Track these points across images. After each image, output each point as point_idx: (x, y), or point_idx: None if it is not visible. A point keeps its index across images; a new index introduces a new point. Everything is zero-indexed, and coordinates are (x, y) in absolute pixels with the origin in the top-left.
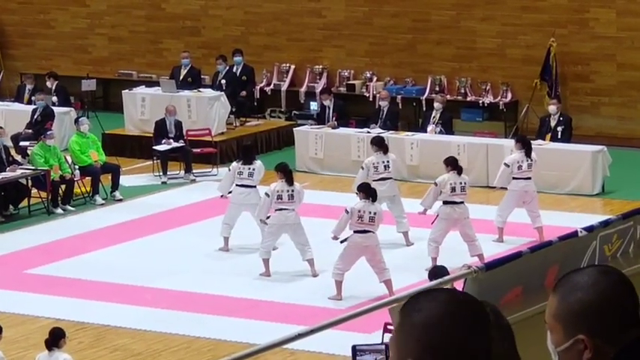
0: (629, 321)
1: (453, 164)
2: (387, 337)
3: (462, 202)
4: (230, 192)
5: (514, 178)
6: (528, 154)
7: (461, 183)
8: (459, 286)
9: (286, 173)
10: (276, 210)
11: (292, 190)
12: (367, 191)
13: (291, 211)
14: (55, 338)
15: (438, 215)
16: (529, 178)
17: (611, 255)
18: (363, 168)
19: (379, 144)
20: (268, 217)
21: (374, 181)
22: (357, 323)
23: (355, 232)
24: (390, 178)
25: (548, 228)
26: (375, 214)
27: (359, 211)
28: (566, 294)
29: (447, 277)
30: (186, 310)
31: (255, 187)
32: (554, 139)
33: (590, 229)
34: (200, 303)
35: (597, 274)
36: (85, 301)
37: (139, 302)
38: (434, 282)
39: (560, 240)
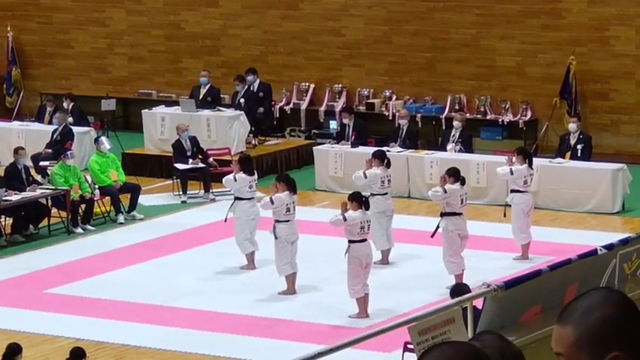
0: None
1: (456, 175)
2: (407, 356)
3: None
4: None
5: (519, 191)
6: (530, 165)
7: (466, 194)
8: (478, 304)
9: (289, 183)
10: (282, 221)
11: (294, 201)
12: (361, 200)
13: (294, 222)
14: (76, 358)
15: (438, 229)
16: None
17: (631, 273)
18: (365, 177)
19: (382, 158)
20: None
21: (379, 195)
22: (376, 342)
23: (357, 241)
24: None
25: (568, 246)
26: (369, 222)
27: (360, 222)
28: (580, 319)
29: (467, 296)
30: (206, 330)
31: None
32: (573, 157)
33: (609, 248)
34: (220, 322)
35: (602, 292)
36: (105, 320)
37: (159, 322)
38: (455, 300)
39: (579, 258)
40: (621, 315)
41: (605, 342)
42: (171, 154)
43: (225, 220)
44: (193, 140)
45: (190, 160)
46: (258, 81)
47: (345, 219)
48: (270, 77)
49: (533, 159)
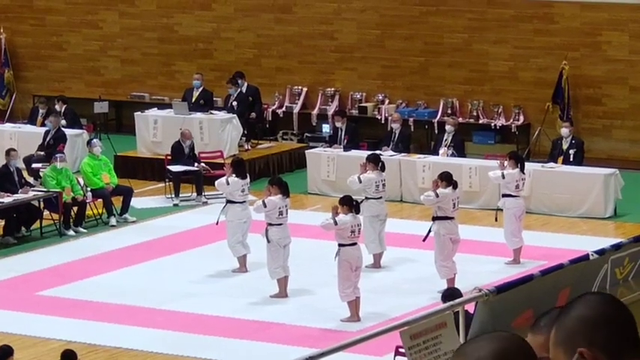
0: (628, 339)
1: (448, 179)
2: None
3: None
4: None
5: (511, 196)
6: (522, 170)
7: (458, 198)
8: (470, 308)
9: (282, 187)
10: (274, 225)
11: (287, 205)
12: (351, 204)
13: (287, 225)
14: None
15: (430, 233)
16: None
17: (623, 278)
18: (360, 181)
19: (376, 161)
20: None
21: (373, 199)
22: (368, 346)
23: (347, 245)
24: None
25: (560, 251)
26: (360, 225)
27: (351, 226)
28: (559, 319)
29: (458, 300)
30: (198, 333)
31: None
32: (566, 162)
33: (601, 253)
34: (211, 325)
35: (588, 295)
36: (97, 323)
37: (151, 324)
38: (447, 304)
39: (571, 263)
40: (595, 314)
41: (575, 339)
42: (163, 157)
43: (217, 223)
44: (191, 147)
45: (196, 163)
46: (246, 85)
47: (335, 223)
48: (262, 80)
49: (526, 163)
